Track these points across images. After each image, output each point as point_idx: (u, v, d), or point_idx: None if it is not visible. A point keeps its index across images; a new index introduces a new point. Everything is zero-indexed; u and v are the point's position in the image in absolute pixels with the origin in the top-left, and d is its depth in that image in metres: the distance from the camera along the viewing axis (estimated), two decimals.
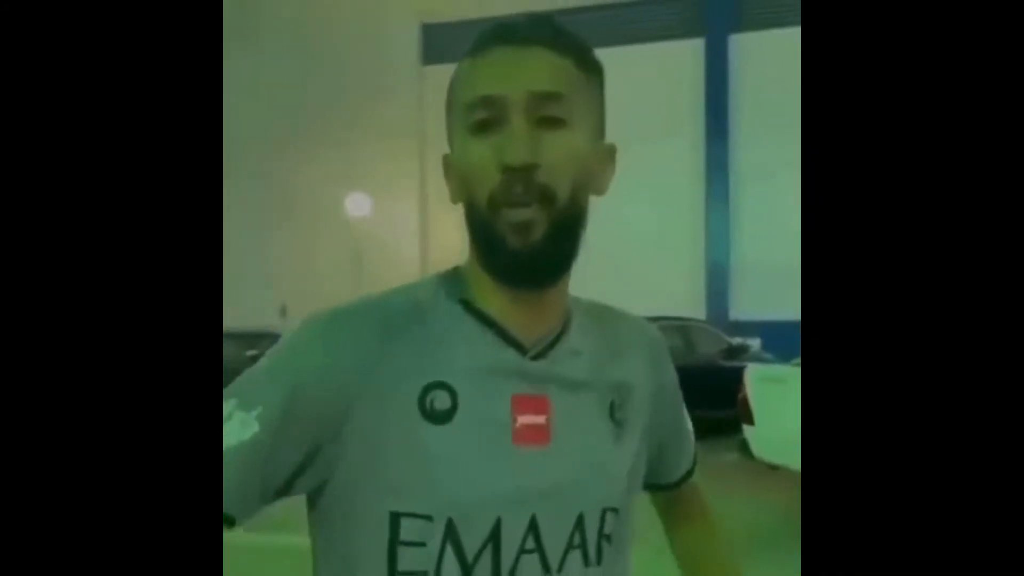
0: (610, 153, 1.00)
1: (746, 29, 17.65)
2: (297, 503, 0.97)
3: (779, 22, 16.80)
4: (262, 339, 11.86)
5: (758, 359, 10.23)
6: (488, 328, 0.94)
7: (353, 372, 0.90)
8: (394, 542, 0.90)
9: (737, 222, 17.57)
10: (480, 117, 0.90)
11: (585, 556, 0.95)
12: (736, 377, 7.48)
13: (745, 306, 17.01)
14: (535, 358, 0.95)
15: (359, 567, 0.92)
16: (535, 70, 0.90)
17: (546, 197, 0.89)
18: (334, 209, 19.09)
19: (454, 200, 0.96)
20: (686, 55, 18.10)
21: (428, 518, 0.89)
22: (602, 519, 0.97)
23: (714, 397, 9.83)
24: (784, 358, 8.66)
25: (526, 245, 0.89)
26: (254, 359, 1.05)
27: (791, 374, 6.39)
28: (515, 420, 0.92)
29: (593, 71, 0.96)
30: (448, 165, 0.97)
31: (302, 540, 1.00)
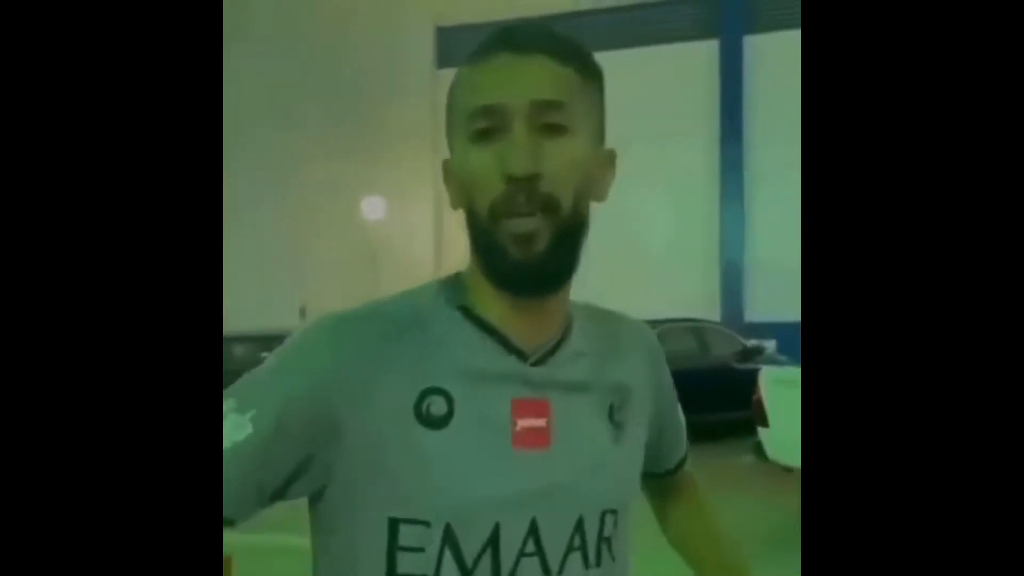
0: (610, 158, 0.99)
1: (760, 31, 17.59)
2: (299, 503, 0.98)
3: (793, 23, 16.72)
4: (277, 341, 11.84)
5: (773, 361, 10.20)
6: (488, 335, 0.95)
7: (351, 378, 0.91)
8: (393, 547, 0.90)
9: (752, 223, 17.50)
10: (481, 125, 0.90)
11: (585, 558, 0.95)
12: (750, 379, 7.46)
13: (760, 308, 16.94)
14: (536, 364, 0.96)
15: (358, 571, 0.92)
16: (536, 78, 0.90)
17: (549, 207, 0.89)
18: (350, 211, 19.12)
19: (454, 206, 0.96)
20: (701, 57, 18.06)
21: (426, 523, 0.90)
22: (602, 521, 0.97)
23: (728, 399, 9.80)
24: (799, 360, 8.62)
25: (528, 256, 0.89)
26: None
27: None
28: (515, 424, 0.93)
29: (593, 77, 0.96)
30: (448, 171, 0.97)
31: (302, 540, 1.01)
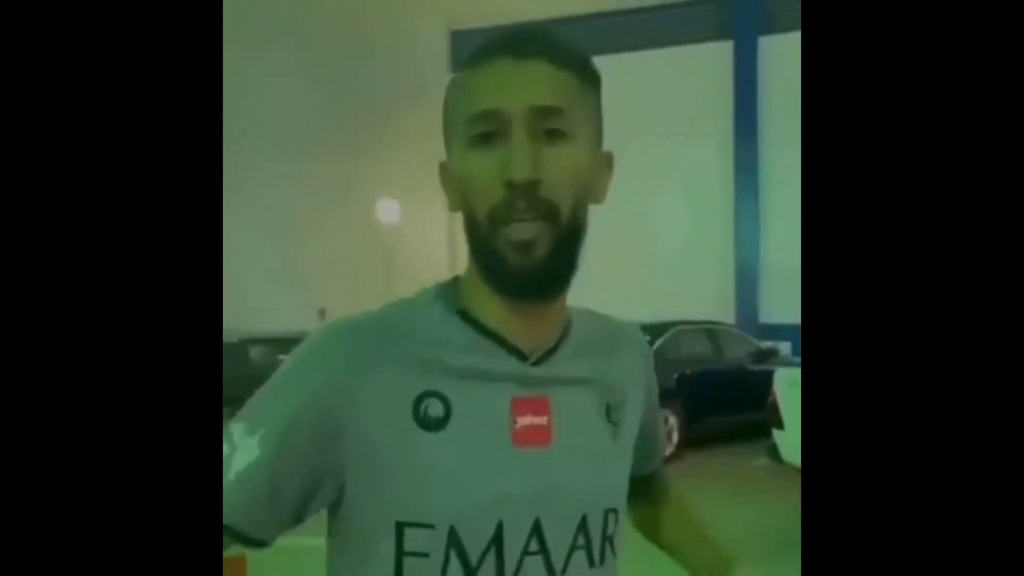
0: (608, 161, 1.00)
1: (775, 31, 17.53)
2: None
3: None
4: (294, 343, 11.85)
5: (788, 363, 10.15)
6: (486, 338, 0.95)
7: (350, 386, 0.91)
8: (400, 551, 0.91)
9: (766, 225, 17.44)
10: (481, 130, 0.90)
11: (590, 557, 0.96)
12: (765, 381, 7.43)
13: (775, 309, 16.87)
14: (535, 364, 0.96)
15: (370, 573, 0.93)
16: (535, 84, 0.90)
17: (549, 213, 0.89)
18: (365, 214, 19.16)
19: (452, 208, 0.96)
20: (715, 58, 18.01)
21: (430, 526, 0.90)
22: (605, 519, 0.98)
23: (743, 401, 9.76)
24: None
25: (528, 262, 0.90)
26: None
27: None
28: (515, 422, 0.93)
29: (592, 81, 0.96)
30: (446, 173, 0.97)
31: (315, 541, 1.02)
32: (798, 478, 6.84)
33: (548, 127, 0.90)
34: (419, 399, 0.92)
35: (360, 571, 0.94)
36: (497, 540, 0.91)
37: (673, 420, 9.62)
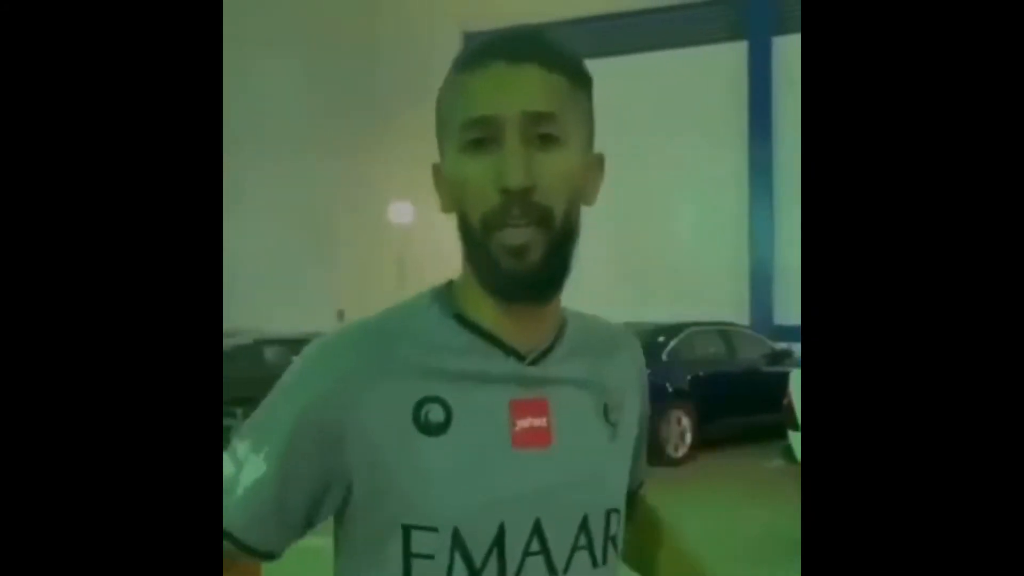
0: (599, 162, 1.00)
1: (789, 31, 17.48)
2: None
3: None
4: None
5: None
6: (483, 339, 0.96)
7: (349, 393, 0.92)
8: (407, 554, 0.92)
9: (781, 226, 17.39)
10: (474, 136, 0.91)
11: (592, 557, 0.97)
12: (779, 382, 7.41)
13: (789, 311, 16.82)
14: (532, 363, 0.97)
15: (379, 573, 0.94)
16: (528, 89, 0.91)
17: (543, 218, 0.90)
18: (378, 215, 19.21)
19: (444, 210, 0.97)
20: (729, 58, 17.97)
21: (434, 529, 0.91)
22: (607, 520, 0.98)
23: (757, 402, 9.74)
24: None
25: (522, 267, 0.90)
26: None
27: None
28: (514, 424, 0.94)
29: (583, 84, 0.96)
30: (439, 175, 0.98)
31: (326, 540, 1.02)
32: None
33: (541, 132, 0.91)
34: (419, 405, 0.93)
35: (371, 573, 0.95)
36: (499, 541, 0.92)
37: (686, 421, 9.61)
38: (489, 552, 0.92)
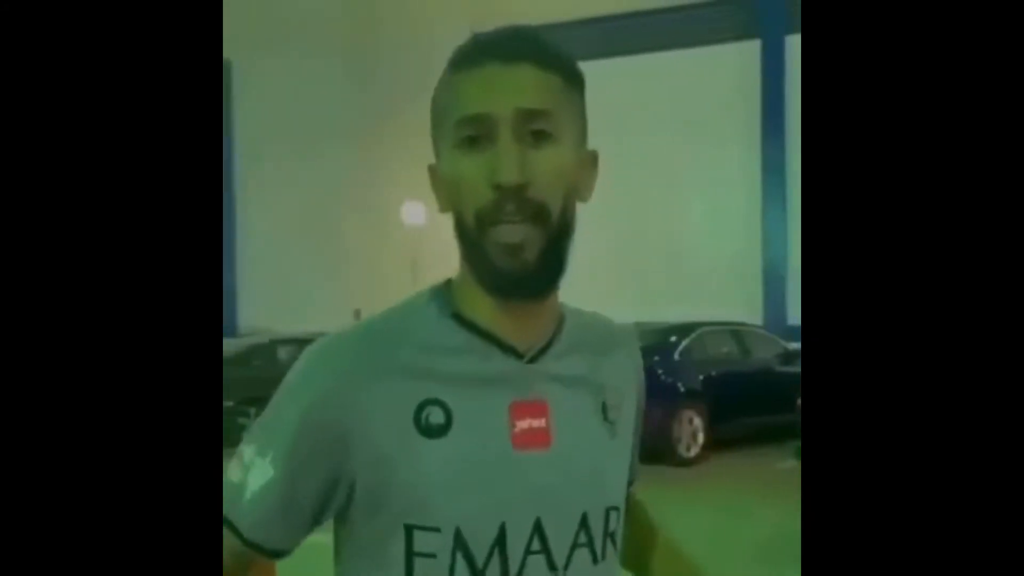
0: (593, 159, 1.01)
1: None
2: None
3: None
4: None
5: None
6: (481, 338, 0.96)
7: (350, 395, 0.93)
8: (410, 554, 0.93)
9: (794, 225, 17.32)
10: (468, 133, 0.92)
11: (593, 554, 0.97)
12: (792, 383, 7.39)
13: None
14: (531, 361, 0.97)
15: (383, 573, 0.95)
16: (522, 87, 0.92)
17: (538, 214, 0.91)
18: (389, 215, 19.24)
19: (442, 210, 0.98)
20: (742, 58, 17.91)
21: (436, 530, 0.92)
22: (607, 518, 0.99)
23: (770, 403, 9.70)
24: None
25: (517, 264, 0.91)
26: None
27: None
28: (514, 425, 0.95)
29: (576, 82, 0.97)
30: (435, 175, 0.99)
31: (324, 537, 1.03)
32: None
33: (534, 128, 0.91)
34: (420, 407, 0.93)
35: (374, 573, 0.96)
36: (500, 541, 0.93)
37: (698, 421, 9.58)
38: (491, 551, 0.93)
